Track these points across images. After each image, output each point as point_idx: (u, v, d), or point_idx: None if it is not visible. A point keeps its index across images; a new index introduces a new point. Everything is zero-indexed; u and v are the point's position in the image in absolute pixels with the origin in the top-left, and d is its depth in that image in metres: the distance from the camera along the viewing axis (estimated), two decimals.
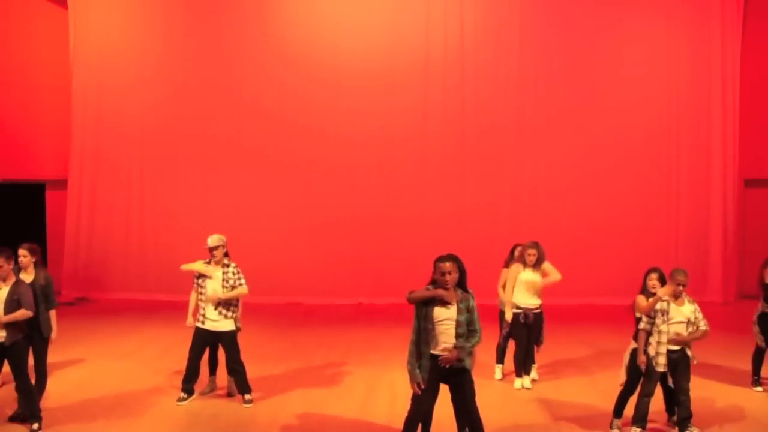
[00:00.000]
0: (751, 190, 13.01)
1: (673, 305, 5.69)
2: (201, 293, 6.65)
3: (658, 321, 5.66)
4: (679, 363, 5.72)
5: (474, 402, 5.10)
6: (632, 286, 12.05)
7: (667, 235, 12.56)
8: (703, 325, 5.76)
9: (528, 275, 7.20)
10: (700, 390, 7.13)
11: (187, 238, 12.54)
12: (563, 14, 12.54)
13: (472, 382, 5.07)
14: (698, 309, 5.81)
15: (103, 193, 12.88)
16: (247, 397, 6.72)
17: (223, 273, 6.64)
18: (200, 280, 6.66)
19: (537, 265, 7.20)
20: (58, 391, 7.07)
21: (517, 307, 7.21)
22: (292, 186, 12.64)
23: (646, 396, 5.77)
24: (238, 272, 6.71)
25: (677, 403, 5.83)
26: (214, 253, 6.62)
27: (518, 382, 7.24)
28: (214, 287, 6.60)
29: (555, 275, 7.27)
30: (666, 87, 12.57)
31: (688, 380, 5.76)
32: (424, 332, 4.95)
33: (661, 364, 5.66)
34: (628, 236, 12.42)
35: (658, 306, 5.68)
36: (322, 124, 12.59)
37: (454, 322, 4.93)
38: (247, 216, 12.58)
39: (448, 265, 4.92)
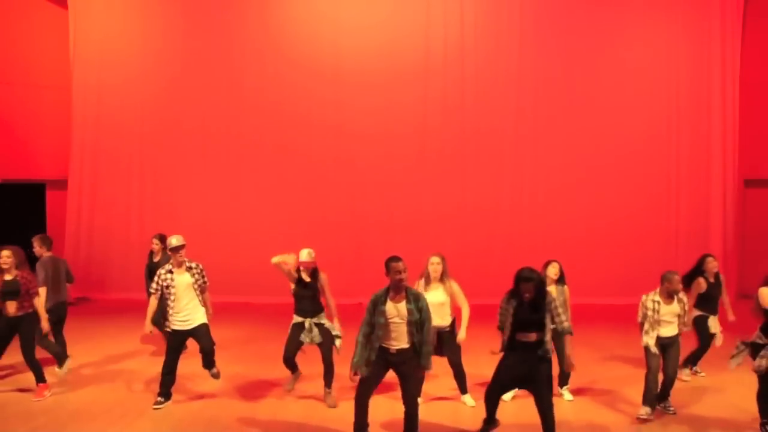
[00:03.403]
0: (751, 190, 13.00)
1: (663, 305, 6.40)
2: (170, 297, 6.54)
3: (650, 318, 6.42)
4: (669, 347, 6.43)
5: (415, 393, 5.40)
6: (632, 285, 12.07)
7: (667, 235, 12.55)
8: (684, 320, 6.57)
9: (431, 297, 6.30)
10: (699, 388, 7.16)
11: (188, 238, 12.48)
12: (563, 14, 12.52)
13: (419, 373, 5.38)
14: (686, 305, 6.57)
15: (103, 192, 12.89)
16: (214, 370, 6.76)
17: (192, 275, 6.64)
18: (169, 284, 6.55)
19: (442, 279, 6.55)
20: (58, 391, 7.09)
21: None
22: (293, 185, 12.64)
23: (651, 373, 6.37)
24: (202, 270, 6.76)
25: (662, 381, 6.48)
26: (182, 252, 6.58)
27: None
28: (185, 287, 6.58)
29: (464, 305, 6.51)
30: (666, 87, 12.56)
31: (676, 365, 6.51)
32: (377, 326, 5.26)
33: (651, 345, 6.40)
34: (628, 236, 12.42)
35: (650, 305, 6.42)
36: (322, 122, 12.59)
37: (405, 322, 5.21)
38: (247, 215, 12.59)
39: (401, 265, 5.25)
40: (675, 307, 6.45)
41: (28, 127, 12.74)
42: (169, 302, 6.57)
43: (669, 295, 6.43)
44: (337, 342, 6.65)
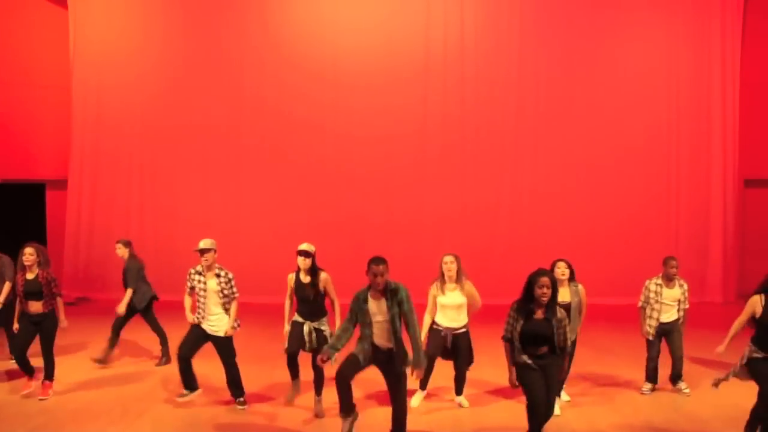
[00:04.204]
0: (751, 190, 13.01)
1: (665, 288, 6.88)
2: (201, 297, 6.50)
3: (651, 301, 6.91)
4: (670, 332, 6.91)
5: (402, 389, 5.35)
6: (632, 285, 12.00)
7: (667, 235, 12.55)
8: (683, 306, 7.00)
9: (448, 298, 6.44)
10: (699, 387, 7.16)
11: (188, 238, 12.49)
12: (563, 14, 12.53)
13: (403, 371, 5.31)
14: (686, 290, 6.99)
15: (103, 193, 12.89)
16: (241, 399, 6.67)
17: (218, 282, 6.50)
18: (199, 286, 6.50)
19: (458, 279, 6.46)
20: (58, 391, 7.09)
21: (437, 325, 6.50)
22: (293, 185, 12.65)
23: (650, 360, 7.03)
24: (230, 280, 6.55)
25: (672, 363, 6.94)
26: (206, 256, 6.42)
27: (416, 399, 6.65)
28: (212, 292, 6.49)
29: (477, 301, 6.54)
30: (666, 87, 12.57)
31: (681, 346, 6.91)
32: (362, 326, 5.29)
33: (650, 333, 6.93)
34: (628, 236, 12.42)
35: (653, 288, 6.91)
36: (322, 123, 12.59)
37: (386, 320, 5.22)
38: (247, 215, 12.60)
39: (381, 268, 5.19)
40: (676, 291, 6.89)
41: (28, 127, 12.74)
42: (200, 299, 6.52)
43: (669, 279, 6.87)
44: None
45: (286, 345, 6.36)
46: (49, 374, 6.97)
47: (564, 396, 6.87)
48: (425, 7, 12.52)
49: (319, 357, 5.43)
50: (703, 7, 12.52)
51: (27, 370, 7.02)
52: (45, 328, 6.89)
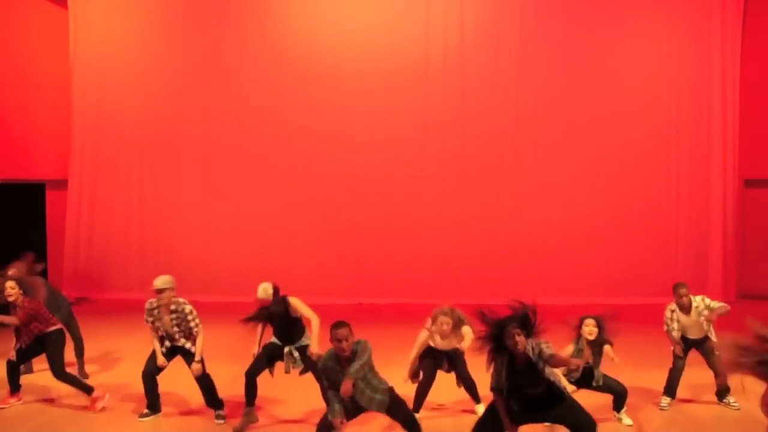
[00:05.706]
0: (751, 190, 13.00)
1: (683, 316, 6.46)
2: (160, 332, 6.28)
3: (674, 325, 6.49)
4: (700, 347, 6.51)
5: (401, 403, 5.11)
6: (633, 285, 12.03)
7: (667, 235, 12.55)
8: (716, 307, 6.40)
9: (445, 344, 6.23)
10: (698, 387, 7.15)
11: (187, 239, 12.60)
12: (563, 15, 12.52)
13: (396, 397, 5.08)
14: (704, 308, 6.42)
15: (103, 193, 12.89)
16: (219, 413, 6.32)
17: (171, 320, 6.20)
18: (156, 324, 6.25)
19: (454, 331, 6.19)
20: (57, 391, 7.09)
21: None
22: (292, 186, 12.64)
23: (675, 370, 6.59)
24: (186, 315, 6.20)
25: (715, 379, 6.54)
26: (161, 296, 6.10)
27: None
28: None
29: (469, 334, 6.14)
30: (666, 87, 12.56)
31: (719, 365, 6.37)
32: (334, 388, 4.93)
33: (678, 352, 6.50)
34: (628, 236, 12.41)
35: (668, 314, 6.49)
36: (321, 125, 12.59)
37: (359, 382, 4.91)
38: (247, 216, 12.60)
39: (344, 332, 4.82)
40: (693, 317, 6.44)
41: (28, 127, 12.74)
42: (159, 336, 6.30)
43: (682, 307, 6.44)
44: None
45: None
46: (85, 390, 6.62)
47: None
48: (425, 9, 12.50)
49: (337, 425, 4.96)
50: (703, 7, 12.51)
51: (12, 386, 6.65)
52: (50, 348, 6.50)
